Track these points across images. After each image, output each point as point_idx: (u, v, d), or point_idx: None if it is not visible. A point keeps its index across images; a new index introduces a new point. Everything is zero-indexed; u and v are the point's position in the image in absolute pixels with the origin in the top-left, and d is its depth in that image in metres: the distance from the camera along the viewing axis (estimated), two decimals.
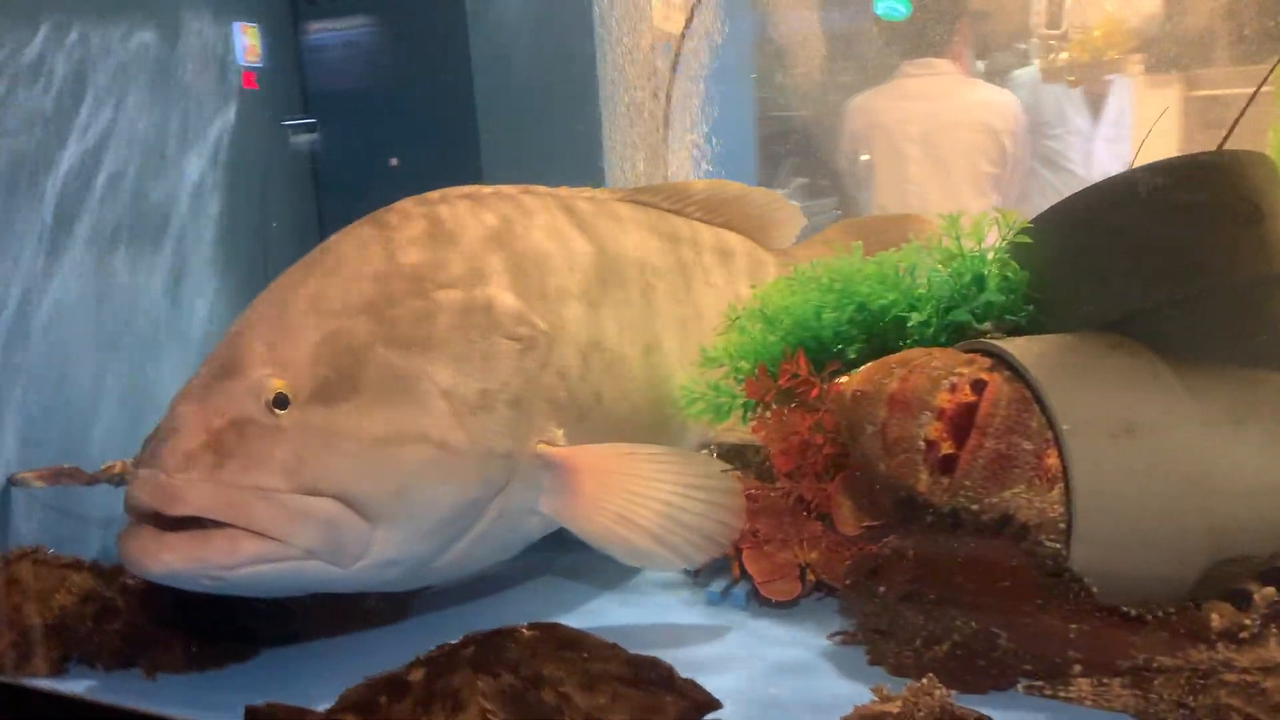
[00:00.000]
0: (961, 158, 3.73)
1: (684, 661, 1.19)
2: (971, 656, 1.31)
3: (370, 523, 1.34)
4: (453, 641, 1.07)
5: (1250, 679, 1.11)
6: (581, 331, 1.65)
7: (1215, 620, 1.20)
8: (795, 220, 2.29)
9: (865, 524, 1.59)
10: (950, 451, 1.38)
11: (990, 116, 3.72)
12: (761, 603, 1.62)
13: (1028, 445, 1.34)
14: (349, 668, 1.36)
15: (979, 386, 1.39)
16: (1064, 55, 4.67)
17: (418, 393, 1.40)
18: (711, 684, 1.11)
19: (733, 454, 1.98)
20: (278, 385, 1.32)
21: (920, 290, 1.65)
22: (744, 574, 1.64)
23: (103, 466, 1.69)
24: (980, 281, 1.58)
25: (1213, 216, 1.41)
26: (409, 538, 1.39)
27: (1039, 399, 1.35)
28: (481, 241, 1.58)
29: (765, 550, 1.63)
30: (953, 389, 1.40)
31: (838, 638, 1.48)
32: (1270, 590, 1.25)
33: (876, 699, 1.07)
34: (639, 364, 1.77)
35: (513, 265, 1.60)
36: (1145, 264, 1.42)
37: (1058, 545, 1.34)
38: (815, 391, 1.67)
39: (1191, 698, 1.14)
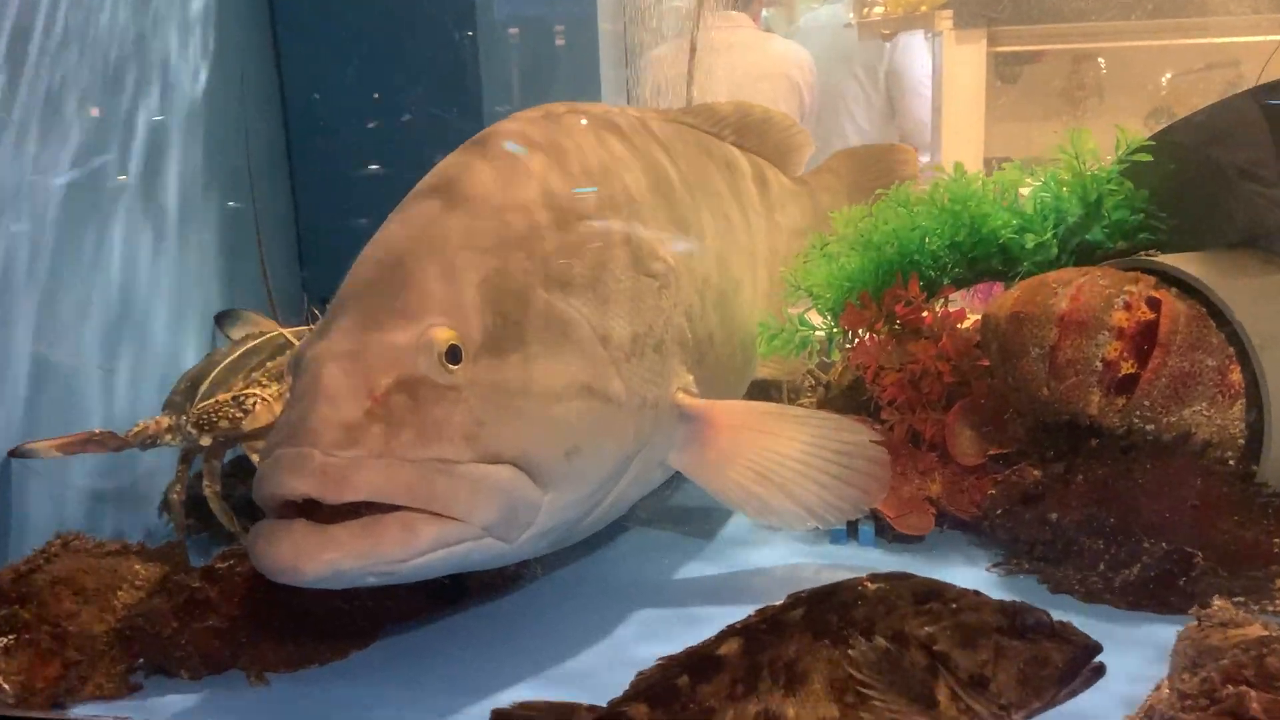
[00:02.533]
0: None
1: None
2: (1167, 577, 1.30)
3: (543, 489, 1.18)
4: (775, 604, 0.95)
5: None
6: (697, 266, 1.54)
7: None
8: (808, 146, 2.23)
9: (991, 452, 1.56)
10: (1132, 371, 1.36)
11: (790, 69, 3.89)
12: (891, 539, 1.57)
13: (1211, 362, 1.34)
14: (475, 650, 1.27)
15: (1155, 304, 1.37)
16: (879, 9, 4.85)
17: (579, 339, 1.25)
18: None
19: (756, 389, 1.93)
20: (450, 336, 1.12)
21: (1028, 213, 1.61)
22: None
23: (134, 428, 1.44)
24: (1099, 201, 1.56)
25: None
26: (572, 502, 1.25)
27: (1221, 315, 1.34)
28: (603, 166, 1.43)
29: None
30: (1127, 307, 1.37)
31: (1000, 568, 1.44)
32: None
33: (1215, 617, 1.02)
34: (733, 300, 1.67)
35: (633, 193, 1.46)
36: None
37: (1234, 459, 1.35)
38: (930, 318, 1.62)
39: None
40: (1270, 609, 1.28)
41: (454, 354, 1.12)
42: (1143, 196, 1.54)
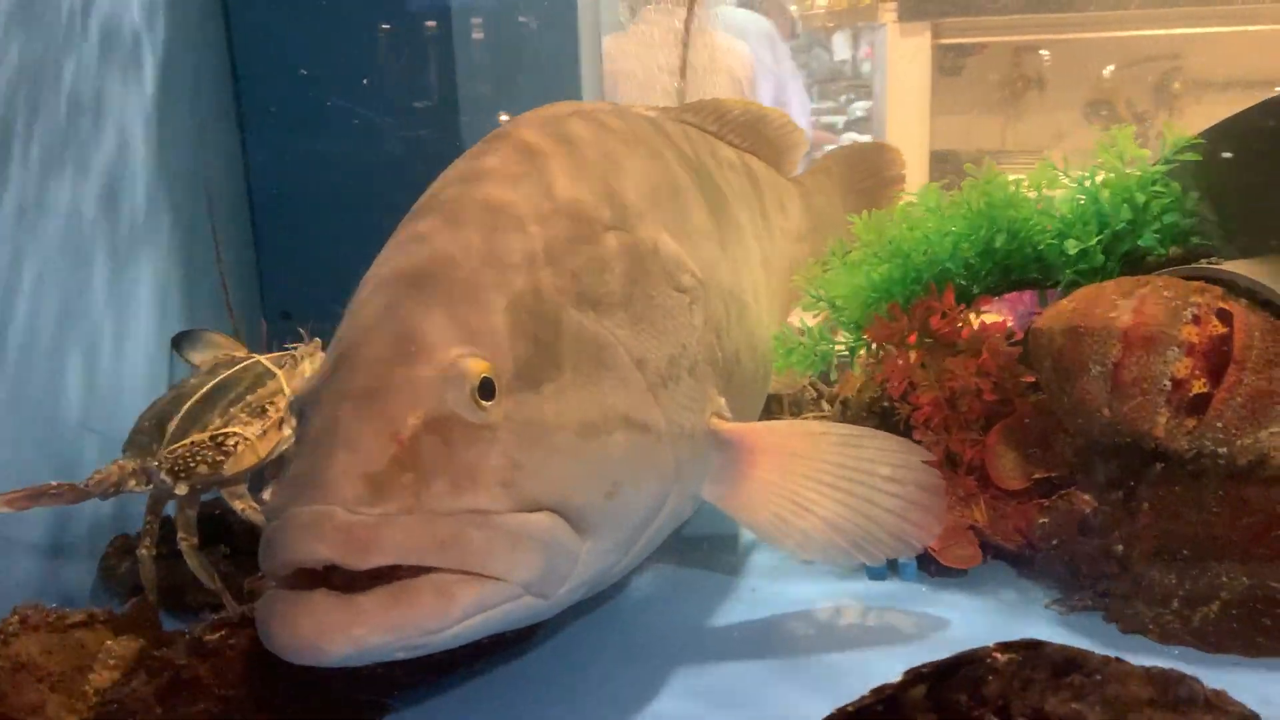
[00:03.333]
0: None
1: (908, 655, 1.05)
2: (1253, 615, 1.21)
3: (581, 535, 1.04)
4: (891, 682, 0.83)
5: None
6: (722, 278, 1.41)
7: None
8: (804, 145, 2.12)
9: (1036, 476, 1.46)
10: (1204, 390, 1.26)
11: (733, 63, 3.86)
12: (934, 573, 1.46)
13: None
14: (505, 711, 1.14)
15: (1225, 317, 1.28)
16: (822, 2, 4.84)
17: (616, 365, 1.11)
18: None
19: None
20: (483, 368, 0.98)
21: (1069, 217, 1.52)
22: None
23: (94, 476, 1.26)
24: (1146, 205, 1.46)
25: None
26: (611, 547, 1.11)
27: None
28: (622, 172, 1.30)
29: None
30: (1196, 320, 1.28)
31: (1060, 605, 1.34)
32: None
33: None
34: (753, 312, 1.55)
35: (655, 199, 1.33)
36: None
37: None
38: (967, 331, 1.51)
39: None
40: None
41: (487, 388, 0.98)
42: (1193, 199, 1.44)
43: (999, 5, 4.22)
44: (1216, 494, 1.27)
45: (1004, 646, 0.82)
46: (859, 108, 5.17)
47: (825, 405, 1.97)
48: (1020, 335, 1.50)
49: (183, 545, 1.24)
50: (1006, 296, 1.59)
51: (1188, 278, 1.35)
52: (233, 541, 1.35)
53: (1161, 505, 1.30)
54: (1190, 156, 1.44)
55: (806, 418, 1.96)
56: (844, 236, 2.08)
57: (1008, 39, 4.61)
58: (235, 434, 1.27)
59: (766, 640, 1.31)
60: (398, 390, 0.96)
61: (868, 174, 2.35)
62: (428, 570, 0.92)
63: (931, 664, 0.82)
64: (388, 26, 2.01)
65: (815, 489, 1.28)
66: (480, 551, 0.94)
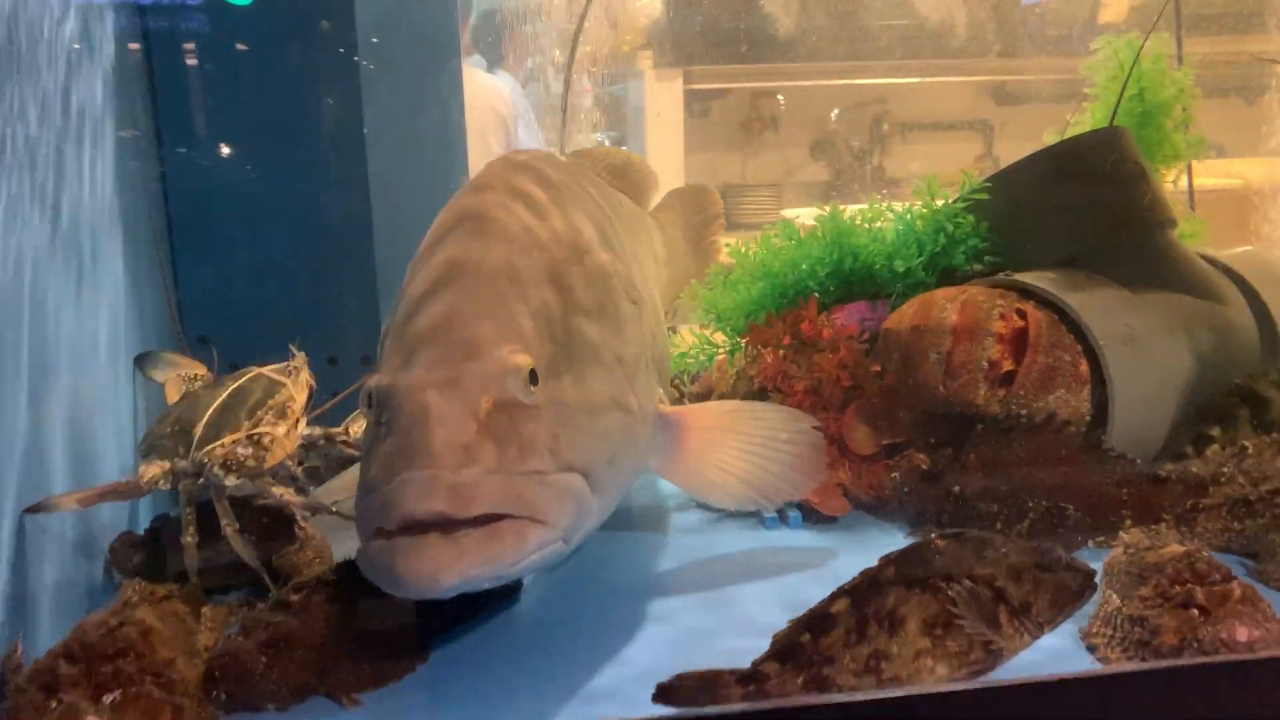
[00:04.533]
0: (478, 138, 4.16)
1: (813, 578, 1.57)
2: (1051, 525, 1.69)
3: (595, 495, 1.37)
4: (872, 566, 1.21)
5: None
6: (646, 292, 1.77)
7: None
8: (656, 187, 2.51)
9: (884, 443, 1.91)
10: (1010, 368, 1.75)
11: (495, 101, 4.26)
12: (814, 521, 1.87)
13: (1067, 357, 1.75)
14: (521, 651, 1.44)
15: (1021, 314, 1.77)
16: (587, 48, 5.30)
17: (604, 360, 1.44)
18: None
19: None
20: (529, 361, 1.28)
21: (896, 243, 1.98)
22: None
23: (144, 475, 1.46)
24: (953, 231, 1.95)
25: (1120, 177, 1.92)
26: (607, 505, 1.44)
27: (1071, 320, 1.76)
28: (578, 205, 1.63)
29: None
30: (1003, 317, 1.76)
31: (917, 535, 1.78)
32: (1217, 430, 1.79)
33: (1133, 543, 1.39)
34: (662, 321, 1.91)
35: (600, 228, 1.67)
36: (1084, 216, 1.90)
37: (1084, 432, 1.77)
38: (827, 333, 1.94)
39: (1235, 522, 1.62)
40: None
41: (533, 377, 1.28)
42: (984, 227, 1.94)
43: (739, 55, 4.75)
44: (1021, 444, 1.75)
45: (941, 536, 1.23)
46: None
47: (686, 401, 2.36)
48: (866, 337, 1.94)
49: (227, 530, 1.45)
50: (847, 306, 2.03)
51: (992, 286, 1.84)
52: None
53: (983, 455, 1.76)
54: (980, 195, 1.93)
55: None
56: (688, 265, 2.50)
57: (747, 85, 5.21)
58: (267, 433, 1.50)
59: (704, 578, 1.67)
60: (472, 380, 1.25)
61: (697, 210, 2.77)
62: (503, 517, 1.22)
63: (897, 552, 1.22)
64: (298, 65, 2.21)
65: (733, 453, 1.66)
66: (542, 503, 1.25)
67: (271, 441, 1.49)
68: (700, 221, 2.75)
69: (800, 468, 1.69)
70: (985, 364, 1.75)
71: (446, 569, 1.15)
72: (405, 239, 2.35)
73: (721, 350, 2.06)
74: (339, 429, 1.86)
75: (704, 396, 2.24)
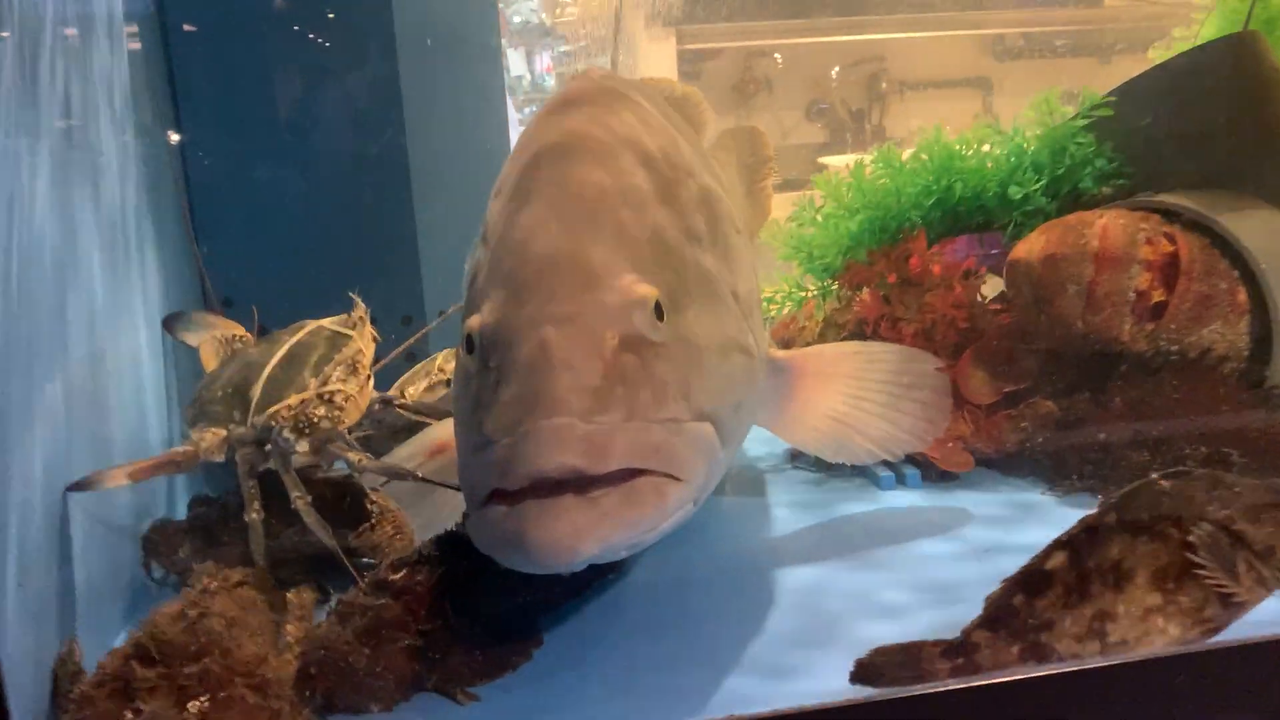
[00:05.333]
0: None
1: (946, 542, 1.43)
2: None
3: (723, 448, 1.19)
4: (1091, 513, 1.05)
5: None
6: (743, 225, 1.59)
7: None
8: (713, 124, 2.33)
9: (1005, 390, 1.74)
10: (1160, 299, 1.58)
11: None
12: (934, 479, 1.71)
13: (1223, 284, 1.59)
14: (640, 634, 1.27)
15: (1170, 238, 1.60)
16: (572, 10, 5.16)
17: (722, 295, 1.27)
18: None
19: None
20: (654, 292, 1.07)
21: (1015, 167, 1.82)
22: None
23: (204, 442, 1.28)
24: (1078, 153, 1.78)
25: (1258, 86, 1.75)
26: (729, 458, 1.27)
27: (1224, 243, 1.60)
28: (675, 125, 1.46)
29: None
30: (1149, 242, 1.59)
31: (1058, 491, 1.62)
32: None
33: None
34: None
35: (696, 153, 1.49)
36: (1221, 130, 1.73)
37: (1242, 368, 1.61)
38: (938, 269, 1.77)
39: None
40: None
41: (658, 310, 1.10)
42: (1108, 147, 1.77)
43: (732, 13, 4.61)
44: (1173, 384, 1.59)
45: (1164, 475, 1.06)
46: None
47: None
48: (984, 271, 1.78)
49: (299, 504, 1.27)
50: (955, 240, 1.87)
51: (1132, 209, 1.67)
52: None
53: (1130, 399, 1.60)
54: (1104, 112, 1.77)
55: None
56: (744, 208, 2.32)
57: (740, 44, 5.05)
58: (340, 390, 1.31)
59: (827, 543, 1.50)
60: (594, 314, 1.07)
61: (750, 152, 2.59)
62: (640, 474, 1.03)
63: (1115, 495, 1.05)
64: (319, 37, 2.07)
65: (849, 401, 1.50)
66: (679, 456, 1.07)
67: (346, 399, 1.31)
68: (753, 164, 2.58)
69: (925, 415, 1.53)
70: (1132, 295, 1.59)
71: (586, 536, 0.97)
72: (446, 187, 2.21)
73: (810, 294, 1.89)
74: (393, 391, 1.68)
75: (784, 348, 2.08)
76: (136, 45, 1.80)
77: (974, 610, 1.05)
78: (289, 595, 1.14)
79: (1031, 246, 1.66)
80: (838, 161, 3.29)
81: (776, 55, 5.31)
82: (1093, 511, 1.05)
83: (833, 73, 5.39)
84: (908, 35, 4.87)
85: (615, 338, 1.06)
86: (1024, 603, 1.02)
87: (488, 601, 1.19)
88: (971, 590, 1.07)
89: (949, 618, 1.10)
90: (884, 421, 1.51)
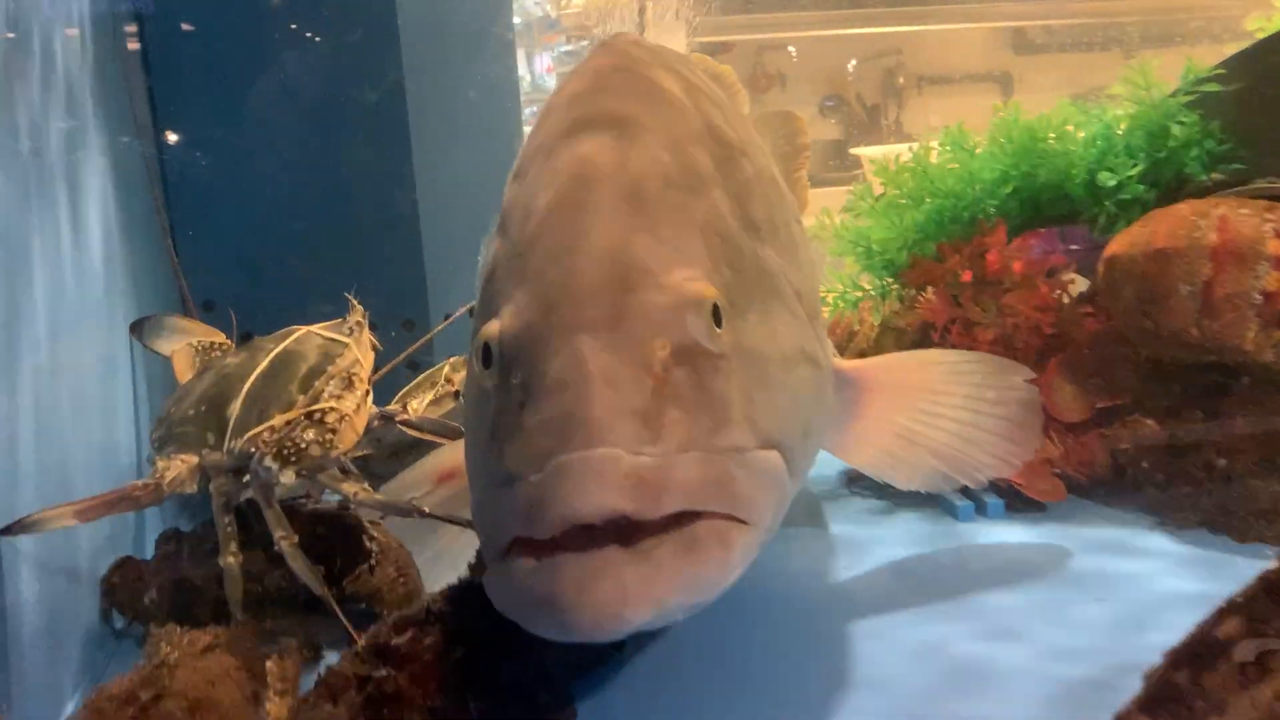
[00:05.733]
0: None
1: (1051, 586, 1.22)
2: None
3: (791, 480, 0.97)
4: (1272, 566, 0.84)
5: None
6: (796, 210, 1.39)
7: None
8: (747, 105, 2.13)
9: (1099, 406, 1.54)
10: None
11: None
12: (1018, 508, 1.51)
13: None
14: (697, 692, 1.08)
15: None
16: (579, 1, 5.02)
17: (785, 295, 1.06)
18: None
19: None
20: (712, 291, 0.89)
21: (1096, 150, 1.61)
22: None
23: (169, 474, 1.07)
24: (1183, 134, 1.57)
25: None
26: (794, 493, 1.06)
27: None
28: (719, 100, 1.25)
29: None
30: (1278, 234, 1.38)
31: (1169, 525, 1.41)
32: None
33: None
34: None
35: (746, 130, 1.28)
36: None
37: None
38: (1019, 267, 1.57)
39: None
40: None
41: (716, 314, 0.90)
42: (1216, 127, 1.56)
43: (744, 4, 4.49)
44: None
45: None
46: None
47: None
48: (1074, 268, 1.57)
49: (284, 546, 1.07)
50: (1038, 233, 1.66)
51: (1251, 197, 1.46)
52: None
53: (1254, 419, 1.39)
54: (1211, 88, 1.56)
55: None
56: None
57: (752, 37, 4.90)
58: (333, 409, 1.11)
59: (905, 586, 1.30)
60: (641, 319, 0.86)
61: (786, 139, 2.39)
62: (697, 516, 0.82)
63: None
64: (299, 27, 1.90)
65: (924, 420, 1.30)
66: (745, 494, 0.85)
67: (340, 420, 1.10)
68: (789, 152, 2.38)
69: (1012, 435, 1.32)
70: (1258, 297, 1.37)
71: (637, 600, 0.77)
72: (453, 174, 2.01)
73: (866, 294, 1.68)
74: (394, 405, 1.47)
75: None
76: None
77: (1090, 676, 0.94)
78: (269, 664, 0.93)
79: (1135, 240, 1.45)
80: (873, 153, 3.09)
81: (790, 48, 5.18)
82: (1272, 565, 0.84)
83: (849, 66, 5.27)
84: (925, 28, 4.72)
85: (666, 348, 0.86)
86: (1189, 680, 0.81)
87: (510, 667, 0.98)
88: (1086, 653, 0.87)
89: (1060, 688, 0.90)
90: (965, 442, 1.31)
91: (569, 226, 0.93)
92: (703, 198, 1.00)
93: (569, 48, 4.19)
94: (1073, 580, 1.28)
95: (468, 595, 0.99)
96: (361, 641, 1.00)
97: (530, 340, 0.87)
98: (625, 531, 0.80)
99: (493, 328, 0.90)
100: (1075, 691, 0.98)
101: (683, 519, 0.80)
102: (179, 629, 0.93)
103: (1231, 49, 1.60)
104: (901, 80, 5.09)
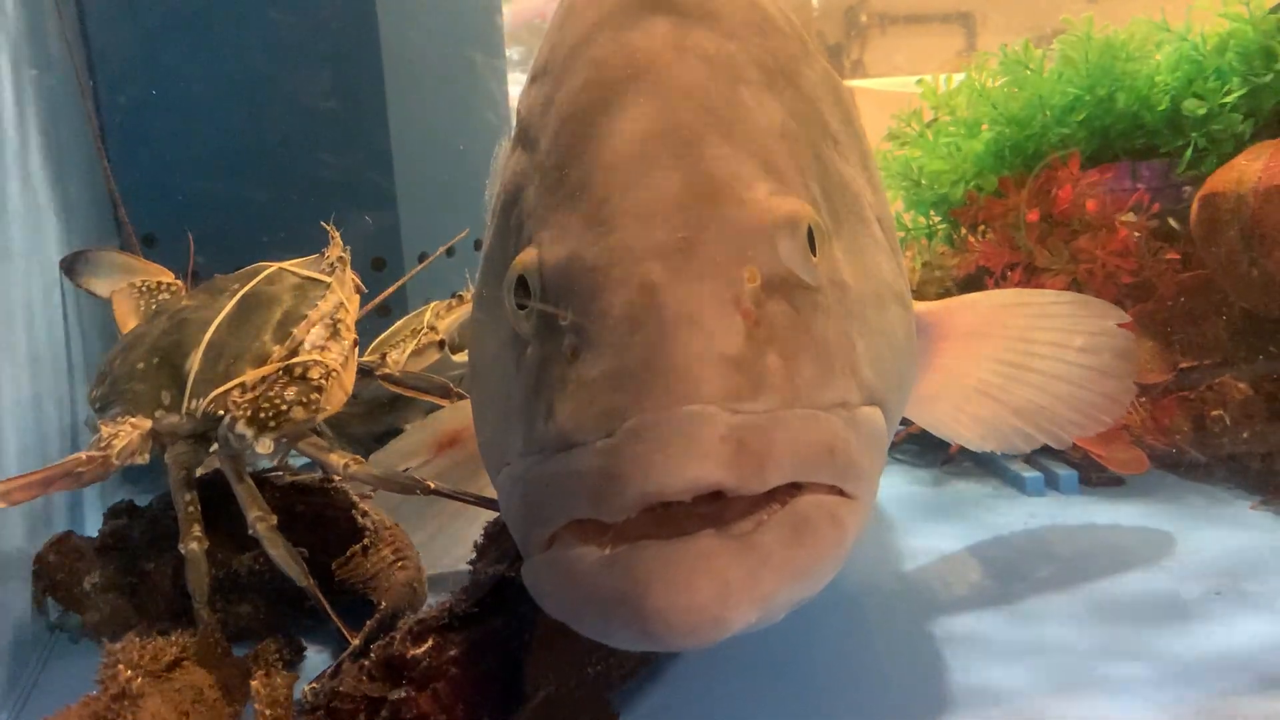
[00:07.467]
0: None
1: (1168, 572, 1.11)
2: None
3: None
4: None
5: None
6: None
7: None
8: None
9: (1182, 365, 1.42)
10: None
11: None
12: (1094, 483, 1.39)
13: None
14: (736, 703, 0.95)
15: None
16: None
17: (870, 221, 0.92)
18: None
19: None
20: (808, 210, 0.75)
21: (1182, 75, 1.48)
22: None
23: (116, 443, 0.91)
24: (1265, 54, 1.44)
25: None
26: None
27: None
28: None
29: None
30: None
31: (1273, 505, 1.30)
32: None
33: None
34: None
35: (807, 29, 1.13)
36: None
37: None
38: (1093, 206, 1.44)
39: None
40: None
41: (811, 238, 0.76)
42: None
43: None
44: None
45: None
46: None
47: None
48: (1157, 209, 1.45)
49: (259, 529, 0.91)
50: (1112, 167, 1.52)
51: None
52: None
53: None
54: None
55: None
56: None
57: None
58: (318, 362, 0.95)
59: (986, 579, 1.17)
60: (723, 242, 0.71)
61: None
62: (802, 488, 0.68)
63: None
64: None
65: (1003, 372, 1.18)
66: (855, 461, 0.72)
67: (326, 376, 0.94)
68: None
69: (1103, 389, 1.19)
70: None
71: (741, 597, 0.64)
72: (430, 90, 1.85)
73: (909, 234, 1.55)
74: (371, 356, 1.31)
75: None
76: None
77: (1230, 688, 0.82)
78: (254, 684, 0.78)
79: (1242, 176, 1.32)
80: (879, 84, 2.95)
81: None
82: None
83: (812, 3, 5.20)
84: None
85: (757, 278, 0.71)
86: None
87: (553, 680, 0.84)
88: (1211, 658, 0.85)
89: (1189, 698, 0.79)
90: (1050, 397, 1.19)
91: (624, 131, 0.78)
92: (779, 98, 0.86)
93: None
94: (1176, 567, 1.16)
95: (500, 593, 0.85)
96: (358, 642, 0.87)
97: (584, 271, 0.72)
98: (715, 513, 0.66)
99: (529, 257, 0.75)
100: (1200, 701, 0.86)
101: (778, 493, 0.67)
102: (138, 643, 0.78)
103: None
104: (864, 18, 5.01)
